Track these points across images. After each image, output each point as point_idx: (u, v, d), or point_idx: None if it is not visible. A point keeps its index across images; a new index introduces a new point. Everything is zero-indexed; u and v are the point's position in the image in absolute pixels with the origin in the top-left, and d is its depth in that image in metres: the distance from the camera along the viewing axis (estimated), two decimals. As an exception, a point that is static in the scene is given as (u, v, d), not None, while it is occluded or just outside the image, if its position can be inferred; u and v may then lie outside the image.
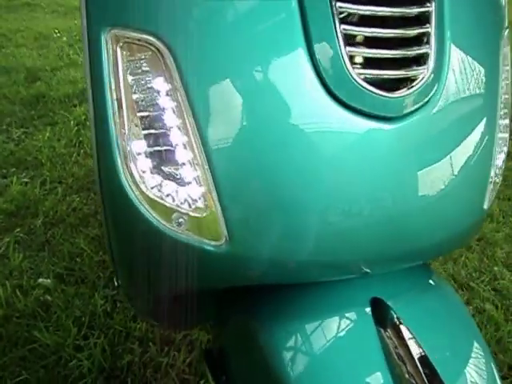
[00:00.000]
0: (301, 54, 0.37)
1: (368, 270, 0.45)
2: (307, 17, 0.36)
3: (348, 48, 0.37)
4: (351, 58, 0.37)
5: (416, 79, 0.38)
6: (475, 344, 0.47)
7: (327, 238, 0.41)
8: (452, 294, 0.53)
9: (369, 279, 0.47)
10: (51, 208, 1.63)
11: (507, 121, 0.52)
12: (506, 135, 0.52)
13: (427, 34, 0.39)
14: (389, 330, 0.43)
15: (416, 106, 0.39)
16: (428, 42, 0.39)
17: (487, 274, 1.57)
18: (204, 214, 0.40)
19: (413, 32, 0.38)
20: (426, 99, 0.40)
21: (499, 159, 0.50)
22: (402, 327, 0.43)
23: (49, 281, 1.32)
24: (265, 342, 0.44)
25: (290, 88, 0.37)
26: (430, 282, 0.53)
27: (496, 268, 1.59)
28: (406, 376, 0.41)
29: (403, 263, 0.49)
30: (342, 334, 0.44)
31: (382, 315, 0.44)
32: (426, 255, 0.50)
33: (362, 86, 0.37)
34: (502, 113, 0.49)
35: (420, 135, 0.40)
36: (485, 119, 0.46)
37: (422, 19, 0.39)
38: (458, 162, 0.44)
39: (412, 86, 0.38)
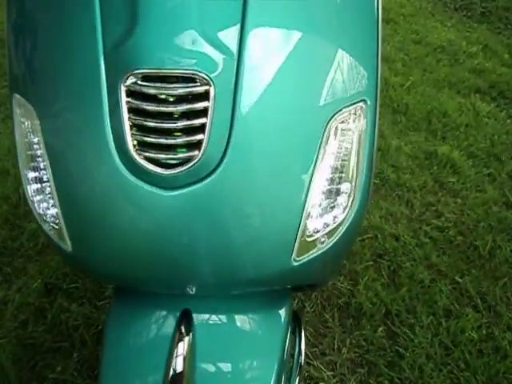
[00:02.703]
0: (106, 129, 0.49)
1: (191, 292, 0.59)
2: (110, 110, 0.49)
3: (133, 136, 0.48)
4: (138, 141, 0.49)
5: (191, 160, 0.48)
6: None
7: (138, 262, 0.56)
8: (277, 327, 0.62)
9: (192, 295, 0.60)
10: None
11: (344, 185, 0.56)
12: (339, 199, 0.56)
13: (205, 125, 0.47)
14: (181, 337, 0.56)
15: (196, 179, 0.49)
16: (204, 132, 0.47)
17: (528, 302, 1.43)
18: (58, 227, 0.58)
19: (193, 123, 0.47)
20: (206, 173, 0.49)
21: (314, 222, 0.55)
22: (186, 339, 0.56)
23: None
24: (106, 329, 0.63)
25: (97, 160, 0.51)
26: (260, 309, 0.63)
27: (543, 298, 1.43)
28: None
29: (222, 290, 0.60)
30: (148, 331, 0.60)
31: (184, 324, 0.58)
32: (239, 288, 0.60)
33: (141, 164, 0.48)
34: (328, 178, 0.54)
35: (209, 199, 0.50)
36: (286, 192, 0.52)
37: (203, 113, 0.47)
38: (257, 223, 0.53)
39: (183, 165, 0.48)
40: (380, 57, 0.56)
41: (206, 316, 0.60)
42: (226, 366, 0.58)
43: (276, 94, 0.49)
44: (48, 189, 0.57)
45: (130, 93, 0.48)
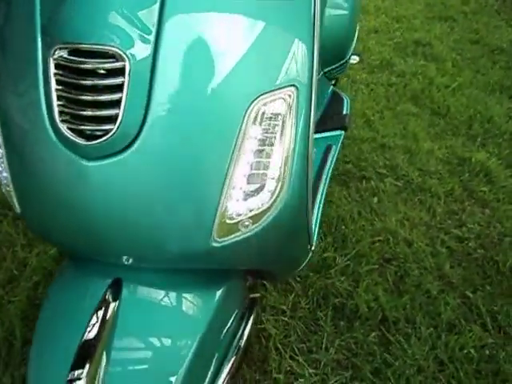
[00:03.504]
0: (40, 100, 0.53)
1: (126, 262, 0.61)
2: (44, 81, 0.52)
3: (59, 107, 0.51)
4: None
5: (108, 133, 0.50)
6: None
7: (71, 228, 0.59)
8: (206, 307, 0.63)
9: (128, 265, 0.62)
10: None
11: (271, 171, 0.55)
12: (266, 184, 0.55)
13: (120, 100, 0.49)
14: (105, 305, 0.59)
15: (114, 151, 0.51)
16: (119, 106, 0.49)
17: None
18: (9, 189, 0.62)
19: (105, 98, 0.49)
20: (123, 146, 0.51)
21: (236, 205, 0.55)
22: (111, 307, 0.58)
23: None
24: (48, 289, 0.67)
25: (34, 130, 0.54)
26: (193, 288, 0.64)
27: None
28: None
29: (150, 264, 0.62)
30: (82, 295, 0.63)
31: (111, 293, 0.60)
32: (165, 263, 0.61)
33: (65, 134, 0.51)
34: (251, 162, 0.54)
35: (126, 171, 0.52)
36: (203, 171, 0.52)
37: (118, 88, 0.49)
38: (175, 200, 0.54)
39: (102, 137, 0.50)
40: (317, 46, 0.55)
41: (138, 288, 0.62)
42: (145, 340, 0.60)
43: (194, 75, 0.50)
44: (1, 153, 0.61)
45: (60, 65, 0.51)
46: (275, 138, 0.54)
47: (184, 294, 0.63)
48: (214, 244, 0.56)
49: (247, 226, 0.57)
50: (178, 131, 0.51)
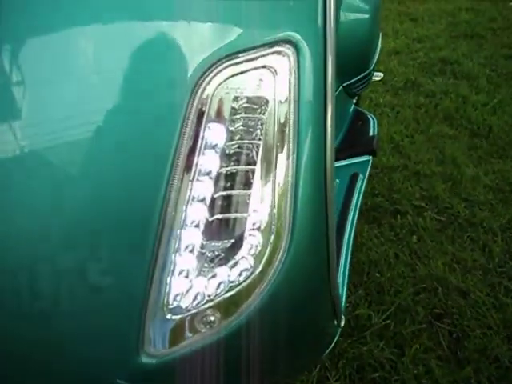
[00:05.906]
0: None
1: None
2: None
3: None
4: None
5: None
6: None
7: None
8: None
9: None
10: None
11: (255, 216, 0.28)
12: (244, 240, 0.28)
13: None
14: None
15: None
16: None
17: None
18: None
19: None
20: None
21: (185, 283, 0.27)
22: None
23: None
24: None
25: None
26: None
27: None
28: None
29: None
30: None
31: None
32: None
33: None
34: (209, 198, 0.27)
35: None
36: (116, 222, 0.26)
37: None
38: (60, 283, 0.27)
39: None
40: None
41: None
42: None
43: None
44: None
45: None
46: (257, 149, 0.27)
47: None
48: (146, 360, 0.29)
49: (211, 323, 0.29)
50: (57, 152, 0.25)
